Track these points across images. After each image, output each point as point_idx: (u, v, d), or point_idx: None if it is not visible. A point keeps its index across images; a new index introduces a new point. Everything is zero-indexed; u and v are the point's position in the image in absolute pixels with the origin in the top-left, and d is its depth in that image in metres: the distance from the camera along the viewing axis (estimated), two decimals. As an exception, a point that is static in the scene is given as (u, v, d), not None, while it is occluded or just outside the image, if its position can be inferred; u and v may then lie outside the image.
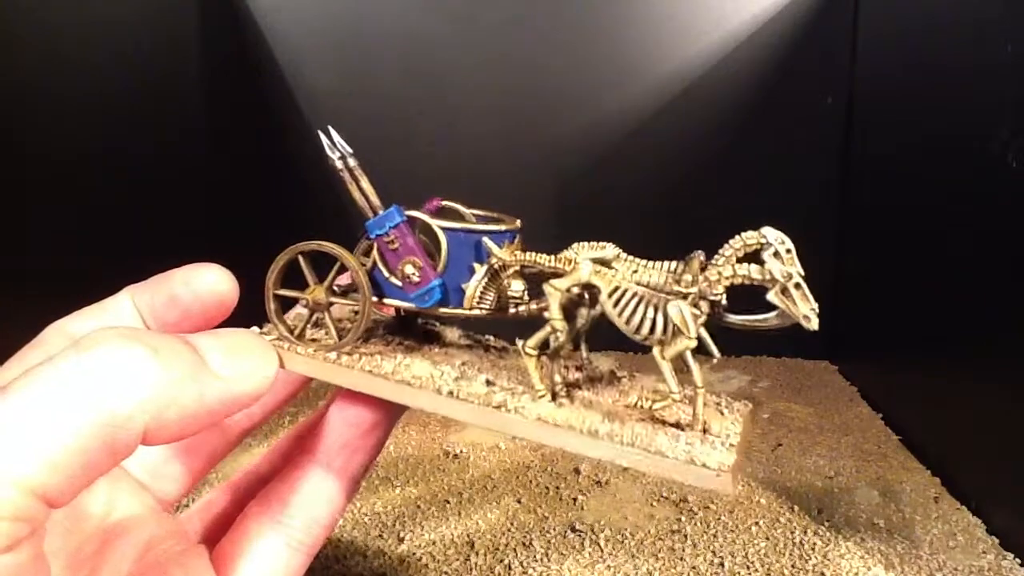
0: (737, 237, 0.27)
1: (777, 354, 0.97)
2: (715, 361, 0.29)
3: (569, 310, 0.29)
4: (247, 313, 0.32)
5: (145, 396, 0.22)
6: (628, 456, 0.26)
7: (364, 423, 0.30)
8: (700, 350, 0.28)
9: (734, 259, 0.27)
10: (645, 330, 0.28)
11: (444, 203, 0.32)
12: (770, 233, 0.27)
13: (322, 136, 0.31)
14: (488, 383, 0.29)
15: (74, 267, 0.65)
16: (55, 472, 0.20)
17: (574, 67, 0.96)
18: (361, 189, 0.31)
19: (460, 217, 0.32)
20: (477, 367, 0.30)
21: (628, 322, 0.28)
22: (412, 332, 0.33)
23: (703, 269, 0.28)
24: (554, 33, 0.96)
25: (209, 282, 0.28)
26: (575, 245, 0.30)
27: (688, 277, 0.27)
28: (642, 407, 0.28)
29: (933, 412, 0.70)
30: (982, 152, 0.61)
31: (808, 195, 0.94)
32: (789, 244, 0.27)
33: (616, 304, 0.28)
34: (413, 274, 0.30)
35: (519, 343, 0.29)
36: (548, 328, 0.28)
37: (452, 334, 0.34)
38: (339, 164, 0.31)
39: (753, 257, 0.27)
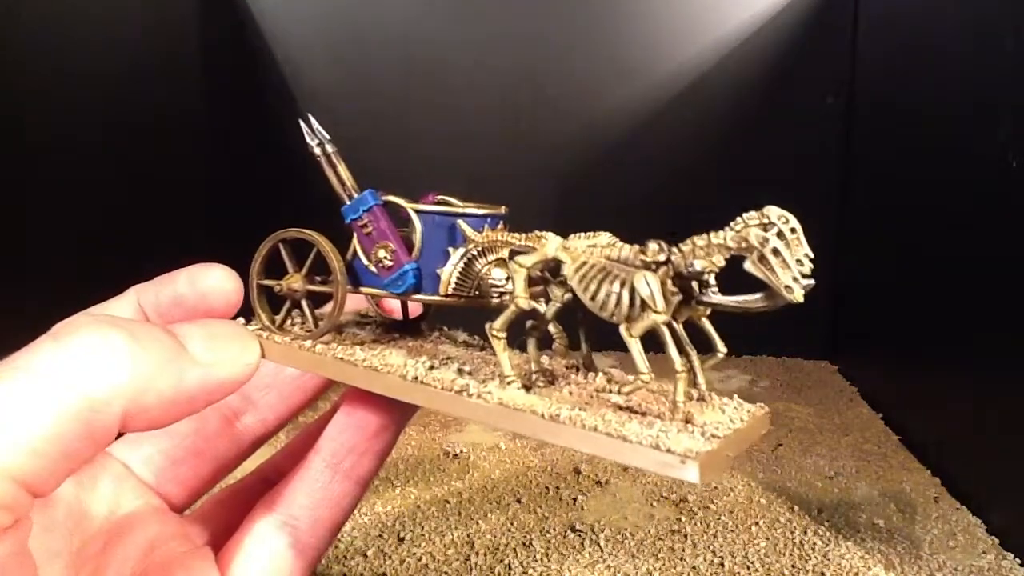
0: (739, 218, 0.25)
1: (777, 354, 0.97)
2: (720, 357, 0.27)
3: (545, 291, 0.28)
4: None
5: (122, 380, 0.22)
6: (589, 441, 0.24)
7: (371, 426, 0.29)
8: (704, 346, 0.27)
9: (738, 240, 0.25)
10: (611, 306, 0.25)
11: (439, 197, 0.32)
12: (773, 212, 0.24)
13: (302, 124, 0.31)
14: (460, 372, 0.27)
15: (75, 267, 0.65)
16: (35, 459, 0.20)
17: (574, 66, 0.96)
18: (338, 175, 0.31)
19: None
20: (461, 360, 0.29)
21: (593, 298, 0.26)
22: (413, 332, 0.33)
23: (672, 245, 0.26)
24: (554, 33, 0.96)
25: (213, 282, 0.28)
26: (571, 236, 0.28)
27: (654, 247, 0.25)
28: (611, 391, 0.26)
29: (933, 412, 0.70)
30: (982, 152, 0.61)
31: (808, 195, 0.94)
32: (794, 223, 0.24)
33: (582, 280, 0.26)
34: (386, 258, 0.29)
35: (487, 325, 0.27)
36: (513, 307, 0.27)
37: (457, 337, 0.33)
38: (317, 150, 0.31)
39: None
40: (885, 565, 0.52)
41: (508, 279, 0.29)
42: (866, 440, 0.72)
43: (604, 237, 0.28)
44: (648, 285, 0.25)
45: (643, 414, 0.25)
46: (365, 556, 0.52)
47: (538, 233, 0.28)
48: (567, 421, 0.25)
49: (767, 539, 0.55)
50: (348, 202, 0.30)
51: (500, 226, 0.30)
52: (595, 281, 0.26)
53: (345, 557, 0.52)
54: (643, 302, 0.25)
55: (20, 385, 0.21)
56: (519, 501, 0.60)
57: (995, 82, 0.60)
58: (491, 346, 0.28)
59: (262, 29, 0.94)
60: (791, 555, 0.53)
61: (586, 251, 0.27)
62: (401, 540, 0.54)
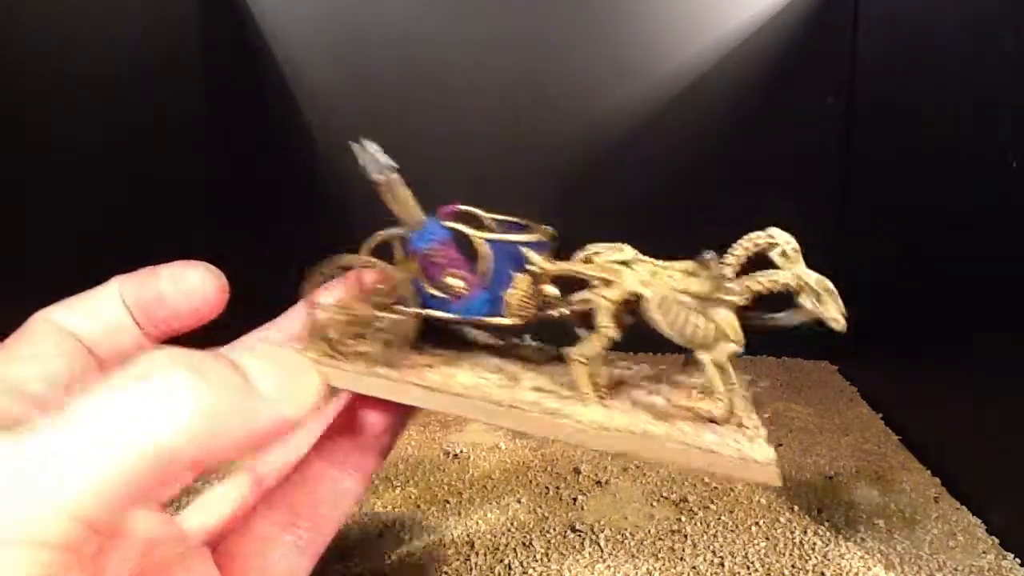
0: (746, 238, 0.28)
1: (777, 354, 0.97)
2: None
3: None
4: (247, 313, 0.32)
5: (196, 430, 0.21)
6: (684, 456, 0.27)
7: (376, 426, 0.29)
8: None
9: (746, 257, 0.29)
10: (697, 336, 0.29)
11: (460, 207, 0.32)
12: (778, 234, 0.28)
13: (356, 149, 0.30)
14: (536, 389, 0.29)
15: (75, 267, 0.65)
16: (102, 503, 0.20)
17: (574, 66, 0.96)
18: (400, 203, 0.30)
19: (479, 221, 0.32)
20: (513, 371, 0.30)
21: (676, 328, 0.29)
22: (447, 341, 0.33)
23: (734, 274, 0.29)
24: (554, 33, 0.96)
25: (196, 282, 0.28)
26: (590, 247, 0.30)
27: (735, 287, 0.28)
28: (688, 406, 0.29)
29: (933, 412, 0.70)
30: (982, 152, 0.61)
31: (808, 195, 0.94)
32: (795, 244, 0.28)
33: (666, 313, 0.29)
34: (458, 285, 0.30)
35: (569, 351, 0.29)
36: (602, 337, 0.29)
37: (478, 335, 0.34)
38: (379, 178, 0.30)
39: (760, 257, 0.29)
40: (885, 565, 0.52)
41: (557, 294, 0.31)
42: (866, 440, 0.72)
43: (627, 251, 0.30)
44: (730, 320, 0.29)
45: (704, 419, 0.29)
46: (365, 556, 0.52)
47: (612, 266, 0.30)
48: (660, 438, 0.27)
49: (767, 539, 0.55)
50: (413, 230, 0.30)
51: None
52: (679, 315, 0.29)
53: (344, 557, 0.52)
54: (723, 333, 0.29)
55: (95, 424, 0.20)
56: (519, 501, 0.60)
57: (995, 82, 0.60)
58: (521, 345, 0.30)
59: (262, 29, 0.94)
60: (791, 555, 0.53)
61: (660, 284, 0.29)
62: (401, 540, 0.54)
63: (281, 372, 0.25)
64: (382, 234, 0.31)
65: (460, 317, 0.30)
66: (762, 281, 0.28)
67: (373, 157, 0.30)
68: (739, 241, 0.28)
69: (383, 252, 0.33)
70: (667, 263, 0.30)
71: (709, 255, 0.30)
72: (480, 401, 0.28)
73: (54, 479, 0.19)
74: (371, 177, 0.30)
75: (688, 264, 0.30)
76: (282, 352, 0.27)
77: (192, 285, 0.28)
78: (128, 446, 0.20)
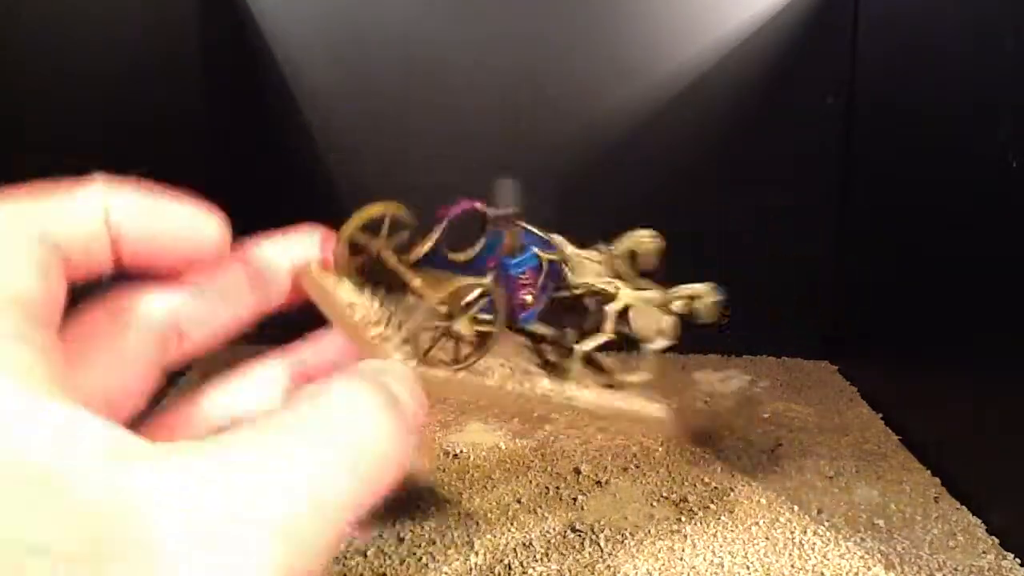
0: (627, 235, 0.37)
1: (777, 354, 0.97)
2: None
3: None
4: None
5: (390, 477, 0.24)
6: (638, 421, 0.34)
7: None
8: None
9: (628, 248, 0.37)
10: (648, 332, 0.36)
11: (477, 205, 0.35)
12: (643, 233, 0.37)
13: (504, 185, 0.34)
14: (543, 379, 0.34)
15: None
16: (346, 505, 0.22)
17: (574, 66, 0.96)
18: (513, 234, 0.35)
19: (483, 216, 0.35)
20: (511, 365, 0.34)
21: (640, 326, 0.36)
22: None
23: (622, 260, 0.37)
24: (554, 33, 0.96)
25: (207, 239, 0.27)
26: (563, 236, 0.35)
27: (680, 302, 0.36)
28: (621, 381, 0.36)
29: (933, 412, 0.70)
30: (982, 152, 0.61)
31: (808, 195, 0.94)
32: (660, 243, 0.37)
33: (639, 316, 0.36)
34: (530, 301, 0.35)
35: (579, 348, 0.35)
36: (605, 338, 0.35)
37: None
38: (507, 213, 0.34)
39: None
40: (885, 565, 0.52)
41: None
42: (866, 440, 0.72)
43: (565, 243, 0.36)
44: (674, 322, 0.37)
45: (631, 391, 0.35)
46: (365, 556, 0.52)
47: (609, 280, 0.37)
48: (627, 411, 0.34)
49: (767, 539, 0.55)
50: (514, 257, 0.35)
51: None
52: (643, 317, 0.36)
53: (345, 557, 0.52)
54: (664, 331, 0.36)
55: (306, 448, 0.21)
56: (519, 501, 0.60)
57: (995, 82, 0.60)
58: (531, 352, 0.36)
59: (262, 29, 0.94)
60: (791, 555, 0.53)
61: (632, 295, 0.36)
62: (401, 540, 0.54)
63: (412, 393, 0.25)
64: (370, 214, 0.33)
65: (519, 323, 0.35)
66: (684, 291, 0.37)
67: (514, 195, 0.34)
68: (624, 235, 0.37)
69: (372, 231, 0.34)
70: (582, 251, 0.36)
71: (602, 245, 0.37)
72: (540, 395, 0.32)
73: (308, 477, 0.20)
74: (501, 212, 0.34)
75: (593, 252, 0.37)
76: (400, 366, 0.27)
77: (203, 242, 0.26)
78: (349, 456, 0.22)
